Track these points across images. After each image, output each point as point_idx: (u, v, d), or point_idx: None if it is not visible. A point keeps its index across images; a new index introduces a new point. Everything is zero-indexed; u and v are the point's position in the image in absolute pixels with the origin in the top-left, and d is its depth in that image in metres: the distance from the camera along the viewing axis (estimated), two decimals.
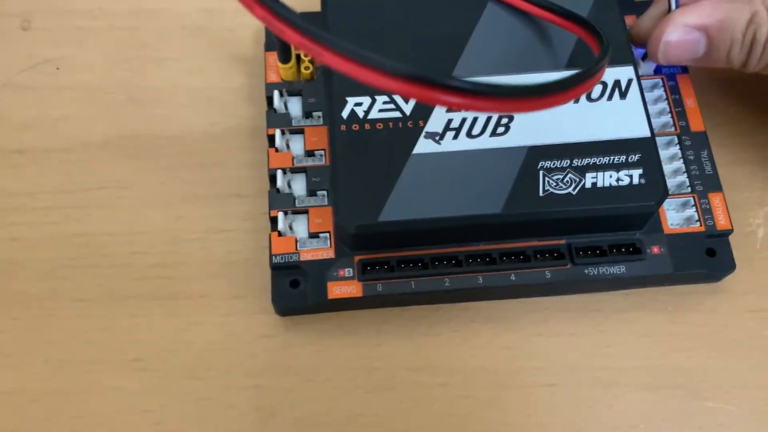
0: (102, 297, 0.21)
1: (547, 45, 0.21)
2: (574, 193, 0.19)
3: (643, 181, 0.20)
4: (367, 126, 0.20)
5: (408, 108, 0.20)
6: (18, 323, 0.20)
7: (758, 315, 0.21)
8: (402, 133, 0.20)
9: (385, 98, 0.20)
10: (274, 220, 0.21)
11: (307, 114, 0.22)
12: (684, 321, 0.21)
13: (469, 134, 0.20)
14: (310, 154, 0.21)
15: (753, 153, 0.23)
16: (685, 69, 0.23)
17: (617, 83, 0.21)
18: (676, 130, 0.22)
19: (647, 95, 0.22)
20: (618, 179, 0.20)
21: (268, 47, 0.23)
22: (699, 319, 0.21)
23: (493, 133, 0.20)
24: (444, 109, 0.20)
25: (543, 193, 0.19)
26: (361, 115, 0.20)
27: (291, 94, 0.22)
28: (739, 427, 0.20)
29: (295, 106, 0.22)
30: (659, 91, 0.22)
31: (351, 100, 0.20)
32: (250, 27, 0.24)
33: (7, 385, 0.20)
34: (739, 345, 0.21)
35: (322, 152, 0.21)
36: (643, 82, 0.22)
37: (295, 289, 0.20)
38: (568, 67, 0.21)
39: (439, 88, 0.13)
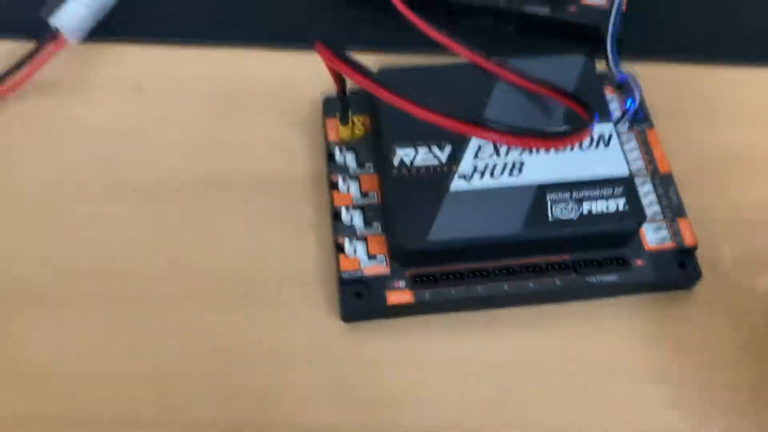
0: (187, 301, 0.26)
1: (548, 110, 0.28)
2: (575, 218, 0.25)
3: (626, 208, 0.26)
4: (412, 171, 0.26)
5: (444, 156, 0.26)
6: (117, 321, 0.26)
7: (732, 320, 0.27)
8: (440, 175, 0.26)
9: (426, 149, 0.26)
10: (340, 246, 0.26)
11: (360, 164, 0.28)
12: (675, 326, 0.26)
13: (491, 175, 0.26)
14: (364, 195, 0.27)
15: (717, 193, 0.29)
16: (651, 125, 0.29)
17: (601, 136, 0.27)
18: (648, 172, 0.28)
19: (625, 145, 0.28)
20: (607, 207, 0.26)
21: (327, 113, 0.29)
22: (687, 326, 0.26)
23: (510, 174, 0.26)
24: (472, 155, 0.26)
25: (551, 218, 0.25)
26: (407, 162, 0.26)
27: (348, 149, 0.28)
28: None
29: (350, 158, 0.28)
30: (633, 143, 0.29)
31: (399, 151, 0.26)
32: (320, 94, 0.30)
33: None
34: (723, 346, 0.26)
35: (374, 194, 0.27)
36: (620, 135, 0.28)
37: (359, 299, 0.25)
38: (563, 124, 0.27)
39: (486, 128, 0.19)
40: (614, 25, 0.30)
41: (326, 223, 0.27)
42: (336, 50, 0.22)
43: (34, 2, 0.30)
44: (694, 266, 0.27)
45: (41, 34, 0.29)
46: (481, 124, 0.20)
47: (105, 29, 0.30)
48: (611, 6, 0.29)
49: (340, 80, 0.26)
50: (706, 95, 0.32)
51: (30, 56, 0.29)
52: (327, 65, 0.24)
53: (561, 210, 0.25)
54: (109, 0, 0.30)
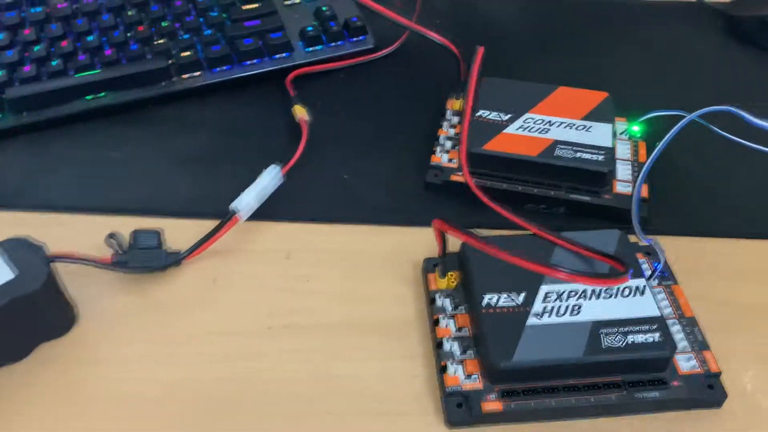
0: (332, 411, 0.35)
1: (593, 268, 0.37)
2: (622, 346, 0.34)
3: (660, 339, 0.34)
4: (497, 310, 0.35)
5: (520, 300, 0.35)
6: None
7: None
8: (518, 314, 0.35)
9: (506, 295, 0.36)
10: (443, 367, 0.34)
11: (455, 307, 0.37)
12: None
13: (557, 314, 0.35)
14: (459, 329, 0.36)
15: (734, 332, 0.37)
16: (675, 282, 0.38)
17: (637, 287, 0.36)
18: (676, 316, 0.37)
19: (656, 296, 0.37)
20: (646, 338, 0.34)
21: (427, 270, 0.39)
22: None
23: (571, 314, 0.35)
24: (541, 300, 0.35)
25: (604, 346, 0.34)
26: (493, 304, 0.35)
27: (446, 296, 0.37)
28: None
29: (447, 302, 0.37)
30: (663, 294, 0.38)
31: (486, 296, 0.36)
32: (418, 256, 0.40)
33: None
34: None
35: (466, 328, 0.36)
36: (652, 289, 0.37)
37: (460, 408, 0.33)
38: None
39: (559, 270, 0.29)
40: (637, 205, 0.40)
41: (429, 351, 0.36)
42: (450, 222, 0.32)
43: (218, 194, 0.41)
44: (721, 388, 0.34)
45: (222, 215, 0.40)
46: (555, 267, 0.29)
47: (264, 211, 0.42)
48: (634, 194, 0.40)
49: (443, 246, 0.36)
50: (714, 261, 0.41)
51: (214, 231, 0.40)
52: (437, 234, 0.34)
53: (611, 340, 0.34)
54: (269, 191, 0.42)
